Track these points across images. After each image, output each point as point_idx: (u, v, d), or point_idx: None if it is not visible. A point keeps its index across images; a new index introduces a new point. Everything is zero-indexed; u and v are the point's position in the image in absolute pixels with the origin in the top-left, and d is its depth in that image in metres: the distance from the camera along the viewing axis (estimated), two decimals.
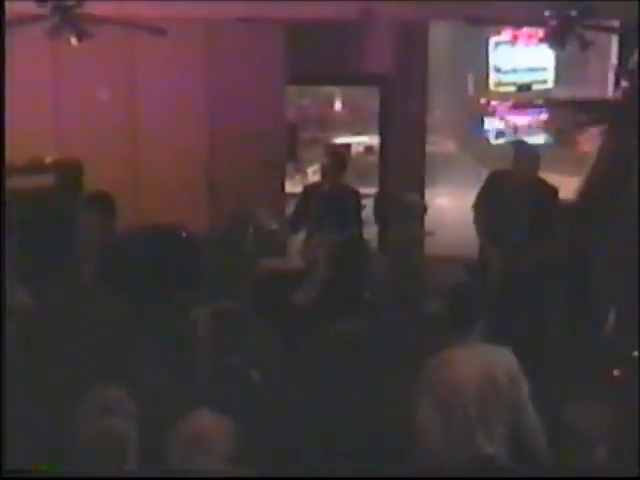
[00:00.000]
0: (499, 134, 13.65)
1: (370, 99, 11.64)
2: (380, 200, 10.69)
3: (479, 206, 8.12)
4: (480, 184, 8.19)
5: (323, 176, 8.92)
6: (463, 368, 5.06)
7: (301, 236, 8.94)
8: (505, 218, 7.90)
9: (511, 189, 7.86)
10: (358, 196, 9.00)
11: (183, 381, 5.31)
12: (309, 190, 9.10)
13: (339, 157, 9.12)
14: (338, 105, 13.18)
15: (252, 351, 4.99)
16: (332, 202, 8.66)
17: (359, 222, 8.93)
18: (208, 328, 4.99)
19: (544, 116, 13.54)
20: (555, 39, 8.26)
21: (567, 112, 12.29)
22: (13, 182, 8.49)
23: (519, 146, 8.69)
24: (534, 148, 8.61)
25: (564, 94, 12.91)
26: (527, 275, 7.72)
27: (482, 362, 5.11)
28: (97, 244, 7.02)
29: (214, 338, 4.96)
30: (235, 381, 4.84)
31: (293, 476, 4.56)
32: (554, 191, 7.99)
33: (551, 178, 8.19)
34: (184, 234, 9.20)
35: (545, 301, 7.92)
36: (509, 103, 13.75)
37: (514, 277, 7.73)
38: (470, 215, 8.17)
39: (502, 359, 5.17)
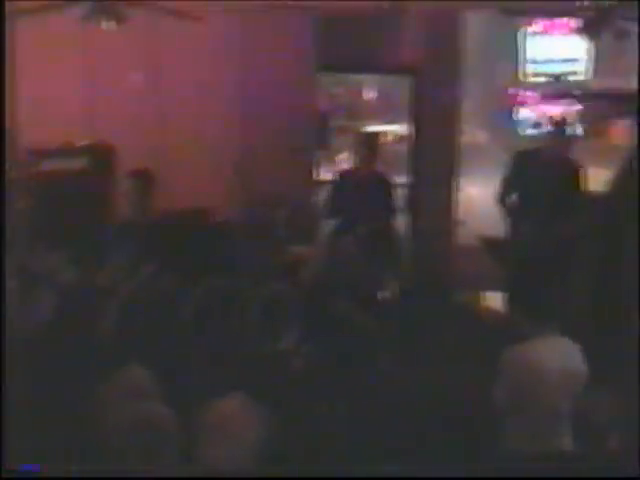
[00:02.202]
0: (530, 125, 13.59)
1: (402, 88, 11.61)
2: (410, 190, 10.70)
3: (505, 185, 8.21)
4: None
5: (356, 163, 8.93)
6: (547, 360, 5.03)
7: (333, 223, 8.97)
8: (531, 196, 7.97)
9: (537, 168, 7.95)
10: (390, 183, 9.01)
11: (218, 364, 5.26)
12: (342, 177, 9.11)
13: (372, 144, 9.12)
14: (369, 94, 13.15)
15: (298, 337, 4.87)
16: (365, 189, 8.66)
17: (392, 209, 8.94)
18: (258, 311, 4.85)
19: (576, 107, 13.45)
20: (589, 30, 8.21)
21: (600, 104, 12.24)
22: (46, 165, 8.58)
23: (550, 127, 8.70)
24: (564, 129, 8.55)
25: (598, 85, 12.84)
26: (552, 254, 7.78)
27: (562, 355, 5.11)
28: (136, 221, 7.14)
29: (263, 322, 4.82)
30: (277, 367, 4.73)
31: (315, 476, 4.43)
32: (579, 169, 8.07)
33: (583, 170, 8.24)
34: (215, 220, 9.23)
35: (571, 283, 7.96)
36: (541, 94, 13.68)
37: (539, 255, 7.79)
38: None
39: (576, 353, 5.17)
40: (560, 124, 8.60)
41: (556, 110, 13.46)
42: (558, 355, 5.07)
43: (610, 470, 4.24)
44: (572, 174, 8.19)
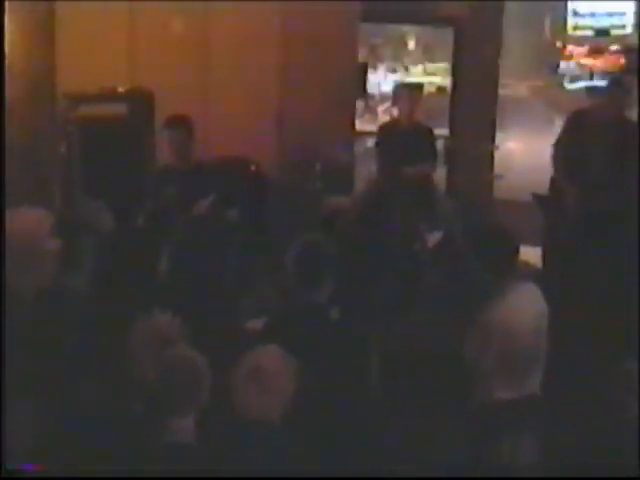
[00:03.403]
0: (574, 79, 13.42)
1: (444, 40, 11.51)
2: (450, 141, 10.65)
3: (559, 144, 8.09)
4: (551, 129, 8.15)
5: (396, 114, 8.91)
6: (521, 309, 5.00)
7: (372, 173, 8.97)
8: (585, 156, 7.85)
9: (593, 127, 7.82)
10: (431, 134, 8.98)
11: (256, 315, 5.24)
12: (382, 128, 9.10)
13: (414, 94, 9.07)
14: (411, 45, 13.04)
15: (335, 289, 4.81)
16: (405, 140, 8.63)
17: (434, 157, 8.93)
18: (295, 261, 4.79)
19: (622, 61, 13.25)
20: None
21: None
22: (86, 110, 8.59)
23: (611, 84, 8.45)
24: (626, 87, 8.30)
25: None
26: (604, 216, 7.68)
27: (533, 301, 5.09)
28: (176, 168, 7.18)
29: (300, 272, 4.75)
30: (315, 319, 4.69)
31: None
32: (636, 128, 7.92)
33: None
34: (252, 167, 9.23)
35: (619, 246, 7.86)
36: (586, 47, 13.48)
37: (590, 217, 7.70)
38: (540, 158, 8.15)
39: (541, 297, 5.15)
40: (620, 83, 8.33)
41: (601, 65, 13.27)
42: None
43: (610, 470, 4.23)
44: (631, 136, 7.97)
